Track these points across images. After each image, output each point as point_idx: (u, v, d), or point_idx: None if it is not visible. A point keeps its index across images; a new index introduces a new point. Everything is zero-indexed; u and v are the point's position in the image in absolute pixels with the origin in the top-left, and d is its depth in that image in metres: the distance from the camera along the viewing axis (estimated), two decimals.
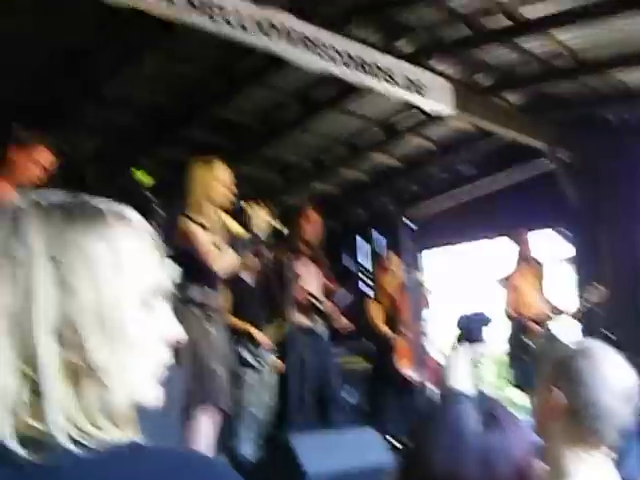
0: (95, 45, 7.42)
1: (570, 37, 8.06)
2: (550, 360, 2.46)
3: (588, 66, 8.66)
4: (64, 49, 7.45)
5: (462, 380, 8.24)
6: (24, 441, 1.06)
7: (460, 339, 8.42)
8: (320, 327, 7.78)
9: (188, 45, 7.67)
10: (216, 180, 5.64)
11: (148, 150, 9.93)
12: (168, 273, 1.29)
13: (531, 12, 7.61)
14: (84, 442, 1.08)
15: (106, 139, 9.59)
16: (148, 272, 1.21)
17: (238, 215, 5.70)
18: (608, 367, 2.32)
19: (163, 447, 1.17)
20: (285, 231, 5.86)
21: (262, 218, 5.53)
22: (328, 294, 7.92)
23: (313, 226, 7.87)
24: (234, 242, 5.57)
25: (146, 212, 9.27)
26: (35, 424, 1.07)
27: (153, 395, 1.23)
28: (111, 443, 1.10)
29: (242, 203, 5.60)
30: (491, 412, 1.74)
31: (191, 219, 5.55)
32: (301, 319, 7.57)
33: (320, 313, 7.77)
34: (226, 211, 5.75)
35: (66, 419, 1.08)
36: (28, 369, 1.08)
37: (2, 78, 7.77)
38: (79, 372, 1.10)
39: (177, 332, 1.27)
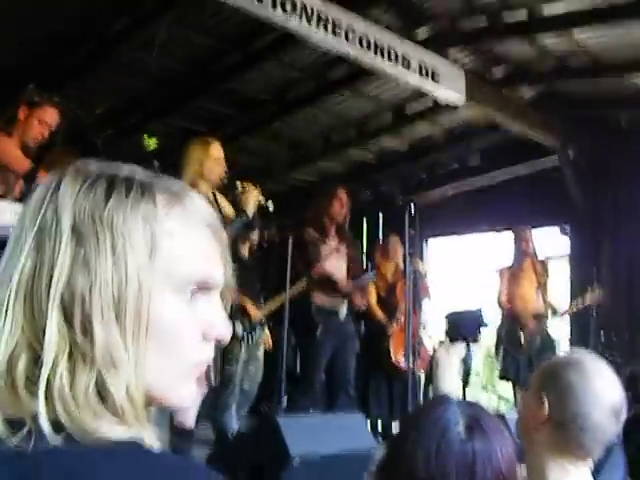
0: (111, 8, 7.42)
1: (588, 37, 8.06)
2: (540, 368, 2.46)
3: (603, 67, 8.66)
4: (81, 12, 7.44)
5: (450, 379, 8.27)
6: (10, 419, 1.00)
7: (451, 336, 8.49)
8: (342, 308, 7.71)
9: (205, 15, 7.68)
10: (210, 159, 5.69)
11: (159, 117, 9.95)
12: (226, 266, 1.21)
13: (551, 9, 7.60)
14: (72, 431, 1.00)
15: (117, 103, 9.60)
16: (192, 261, 1.10)
17: (230, 193, 5.71)
18: (599, 381, 2.31)
19: (164, 453, 1.08)
20: (271, 209, 5.81)
21: (254, 198, 5.54)
22: (353, 275, 7.91)
23: (342, 206, 7.80)
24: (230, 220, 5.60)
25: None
26: (27, 400, 1.01)
27: (181, 397, 1.13)
28: (106, 438, 1.01)
29: (237, 183, 5.61)
30: (476, 417, 1.77)
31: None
32: (321, 299, 7.51)
33: (341, 294, 7.76)
34: (220, 191, 5.78)
35: (59, 401, 1.00)
36: (35, 342, 1.02)
37: (20, 41, 7.82)
38: (85, 356, 1.02)
39: (221, 330, 1.15)
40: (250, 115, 10.10)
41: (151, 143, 10.79)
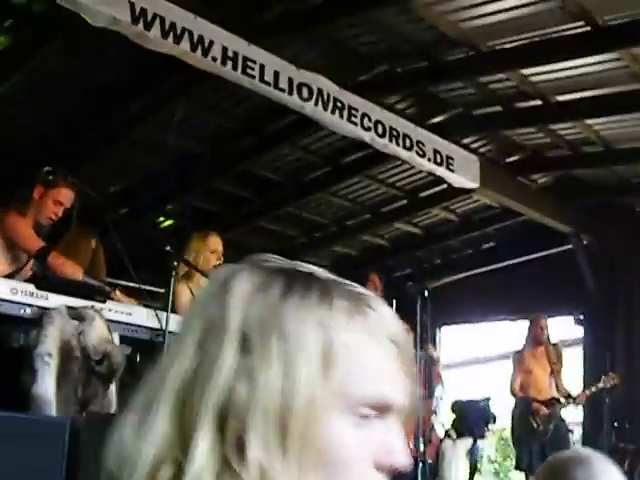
0: (129, 88, 7.52)
1: (602, 124, 8.10)
2: (547, 464, 2.40)
3: (617, 154, 8.69)
4: (97, 90, 7.54)
5: (455, 472, 8.12)
6: None
7: (457, 429, 8.36)
8: None
9: (221, 96, 7.76)
10: (207, 250, 5.89)
11: (174, 197, 9.99)
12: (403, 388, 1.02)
13: (565, 97, 7.66)
14: None
15: (133, 182, 9.65)
16: (370, 380, 0.95)
17: None
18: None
19: None
20: None
21: None
22: None
23: (376, 291, 7.55)
24: None
25: (161, 258, 9.35)
26: None
27: None
28: None
29: None
30: None
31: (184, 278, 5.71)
32: None
33: None
34: None
35: None
36: (181, 454, 0.90)
37: (37, 119, 7.92)
38: (235, 476, 0.89)
39: (398, 457, 0.97)
40: (264, 197, 10.14)
41: (167, 224, 10.86)
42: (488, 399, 8.75)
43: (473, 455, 8.31)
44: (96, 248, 6.01)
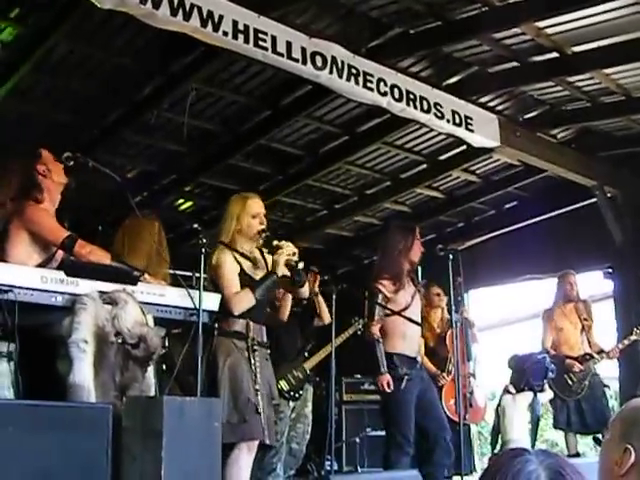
0: (139, 71, 7.46)
1: (620, 74, 7.99)
2: (619, 415, 2.32)
3: (638, 103, 8.55)
4: (108, 75, 7.50)
5: (518, 429, 8.05)
6: None
7: (516, 385, 8.28)
8: (419, 356, 7.13)
9: (233, 73, 7.71)
10: (247, 214, 5.55)
11: (192, 177, 9.95)
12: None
13: (583, 48, 7.54)
14: None
15: (150, 165, 9.62)
16: None
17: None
18: None
19: None
20: (302, 269, 5.63)
21: (284, 258, 5.39)
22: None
23: (419, 246, 7.12)
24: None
25: (187, 238, 9.32)
26: None
27: None
28: None
29: (274, 243, 5.49)
30: (558, 469, 1.64)
31: (227, 246, 5.50)
32: (401, 346, 6.90)
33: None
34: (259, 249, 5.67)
35: None
36: None
37: (53, 106, 7.89)
38: None
39: None
40: (283, 171, 10.08)
41: (186, 206, 10.84)
42: (546, 351, 8.69)
43: (535, 409, 8.24)
44: (159, 231, 5.87)
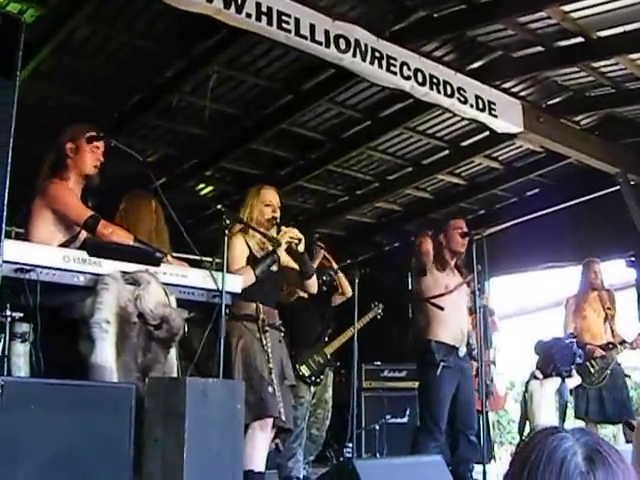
0: (161, 54, 7.43)
1: None
2: None
3: None
4: (129, 59, 7.47)
5: (546, 414, 8.00)
6: None
7: (543, 370, 8.23)
8: (462, 345, 7.02)
9: (255, 57, 7.67)
10: (261, 202, 5.75)
11: (213, 162, 9.93)
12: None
13: (607, 33, 7.46)
14: None
15: (171, 149, 9.61)
16: None
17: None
18: None
19: None
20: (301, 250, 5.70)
21: (286, 239, 5.48)
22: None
23: (457, 236, 7.12)
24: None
25: (209, 224, 9.31)
26: None
27: None
28: None
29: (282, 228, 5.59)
30: (595, 447, 1.60)
31: (241, 230, 5.62)
32: (443, 334, 6.88)
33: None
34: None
35: None
36: None
37: (71, 89, 7.88)
38: None
39: None
40: (304, 156, 10.05)
41: (207, 190, 10.82)
42: (573, 336, 8.64)
43: (562, 395, 8.20)
44: (157, 210, 5.91)
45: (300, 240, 5.55)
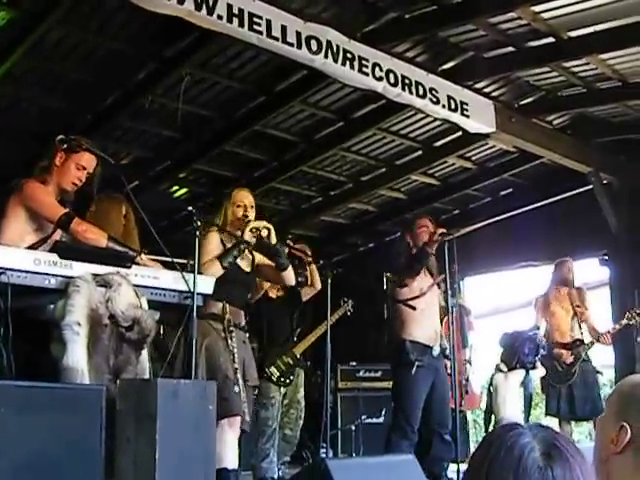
0: (133, 56, 7.43)
1: (616, 59, 7.96)
2: (615, 392, 2.29)
3: (634, 89, 8.53)
4: (101, 61, 7.46)
5: (511, 407, 8.03)
6: None
7: (507, 363, 8.27)
8: (436, 345, 7.02)
9: (227, 58, 7.68)
10: (233, 204, 5.78)
11: (186, 164, 9.93)
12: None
13: (578, 33, 7.51)
14: None
15: (143, 152, 9.59)
16: None
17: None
18: None
19: None
20: (273, 241, 5.70)
21: (252, 226, 5.50)
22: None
23: (432, 235, 7.00)
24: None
25: (182, 225, 9.30)
26: None
27: None
28: None
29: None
30: (552, 442, 1.62)
31: (219, 230, 5.67)
32: (416, 334, 6.89)
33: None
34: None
35: None
36: None
37: (45, 91, 7.85)
38: None
39: None
40: (278, 158, 10.06)
41: (181, 193, 10.82)
42: (537, 327, 8.68)
43: (527, 387, 8.24)
44: (127, 213, 5.93)
45: (269, 230, 5.53)
